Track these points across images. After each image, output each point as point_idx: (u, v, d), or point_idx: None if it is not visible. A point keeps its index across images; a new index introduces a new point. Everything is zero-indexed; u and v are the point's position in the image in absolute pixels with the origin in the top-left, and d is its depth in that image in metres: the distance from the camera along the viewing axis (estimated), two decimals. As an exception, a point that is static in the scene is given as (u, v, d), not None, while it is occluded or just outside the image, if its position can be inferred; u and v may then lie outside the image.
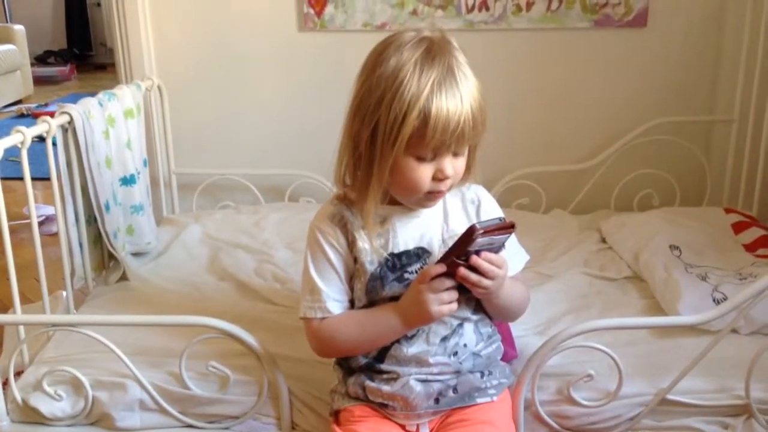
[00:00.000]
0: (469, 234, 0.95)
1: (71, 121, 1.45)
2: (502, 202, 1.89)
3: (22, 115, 5.33)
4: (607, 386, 1.20)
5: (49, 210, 2.86)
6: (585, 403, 1.20)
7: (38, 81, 6.31)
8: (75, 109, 1.46)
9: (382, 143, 0.98)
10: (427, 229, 1.08)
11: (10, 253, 1.25)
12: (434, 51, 0.98)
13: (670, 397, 1.19)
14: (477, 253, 0.98)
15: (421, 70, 0.96)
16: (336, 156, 1.06)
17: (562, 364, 1.22)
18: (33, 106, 5.55)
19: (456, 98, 0.96)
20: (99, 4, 7.37)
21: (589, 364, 1.21)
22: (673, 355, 1.27)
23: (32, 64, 6.26)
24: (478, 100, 0.99)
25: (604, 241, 1.80)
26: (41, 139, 1.39)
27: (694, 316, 1.19)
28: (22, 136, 1.27)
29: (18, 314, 1.29)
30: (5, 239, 1.24)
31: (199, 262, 1.74)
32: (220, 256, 1.74)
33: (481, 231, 0.94)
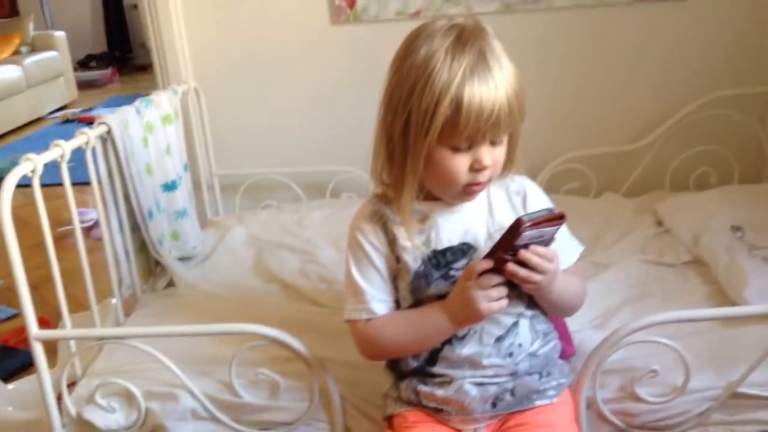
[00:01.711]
0: (516, 227, 0.90)
1: (109, 131, 1.44)
2: (550, 188, 1.84)
3: (67, 121, 5.44)
4: (674, 381, 1.14)
5: (96, 214, 2.90)
6: (651, 399, 1.14)
7: (81, 85, 6.44)
8: (112, 119, 1.45)
9: (414, 135, 0.95)
10: (471, 223, 1.04)
11: (55, 266, 1.26)
12: (465, 37, 0.94)
13: (740, 390, 1.13)
14: (525, 246, 0.94)
15: (452, 58, 0.92)
16: (372, 153, 1.04)
17: (624, 360, 1.16)
18: (78, 110, 5.66)
19: (489, 84, 0.92)
20: (136, 6, 7.46)
21: (653, 358, 1.15)
22: (741, 345, 1.20)
23: (75, 69, 6.38)
24: (514, 86, 0.95)
25: (660, 224, 1.73)
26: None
27: (764, 306, 1.11)
28: (61, 150, 1.27)
29: (68, 329, 1.29)
30: (50, 251, 1.24)
31: (245, 264, 1.73)
32: (265, 258, 1.73)
33: (529, 223, 0.90)
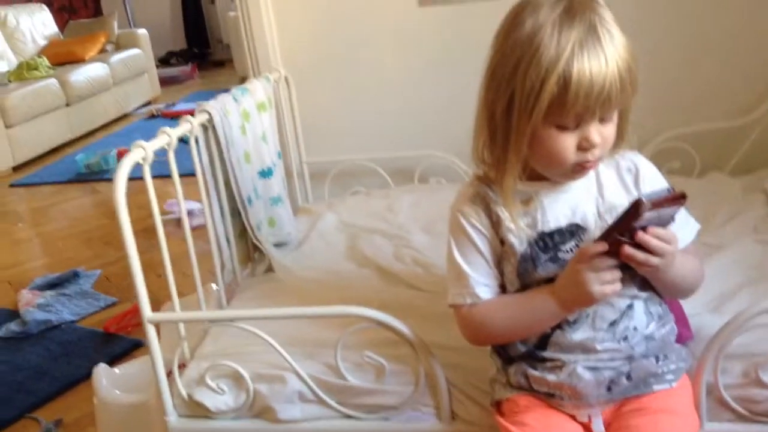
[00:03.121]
0: (635, 209, 0.86)
1: (210, 119, 1.47)
2: (651, 169, 1.77)
3: (152, 116, 5.62)
4: (802, 367, 1.08)
5: (190, 205, 2.98)
6: (777, 386, 1.08)
7: (163, 82, 6.65)
8: (213, 107, 1.48)
9: (518, 114, 0.91)
10: (580, 203, 1.00)
11: (165, 251, 1.30)
12: (574, 9, 0.90)
13: None
14: (643, 228, 0.90)
15: (560, 32, 0.88)
16: (473, 132, 1.00)
17: (747, 344, 1.10)
18: (161, 106, 5.84)
19: (600, 59, 0.87)
20: (213, 2, 7.63)
21: (779, 342, 1.09)
22: None
23: (156, 66, 6.58)
24: (626, 60, 0.90)
25: (772, 203, 1.64)
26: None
27: None
28: (168, 137, 1.30)
29: (179, 312, 1.32)
30: (160, 237, 1.28)
31: (338, 249, 1.74)
32: (357, 243, 1.73)
33: (649, 205, 0.86)
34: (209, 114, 1.46)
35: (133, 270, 1.19)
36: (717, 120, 1.91)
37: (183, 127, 1.38)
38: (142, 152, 1.21)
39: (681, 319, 1.15)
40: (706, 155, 1.90)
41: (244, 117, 1.60)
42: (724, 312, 1.20)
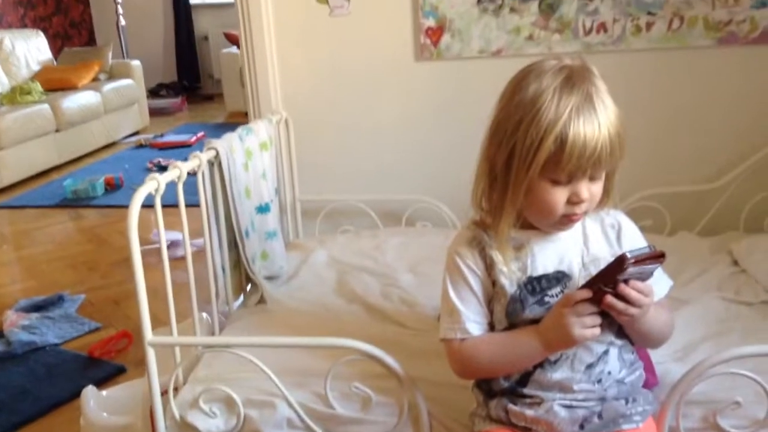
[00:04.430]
0: (620, 263, 0.96)
1: (217, 155, 1.56)
2: (625, 225, 1.87)
3: (140, 146, 5.67)
4: (756, 414, 1.17)
5: (174, 235, 3.04)
6: (733, 431, 1.17)
7: (152, 112, 6.70)
8: (220, 144, 1.57)
9: (517, 167, 1.01)
10: (567, 252, 1.09)
11: (168, 277, 1.36)
12: (574, 79, 1.00)
13: (823, 426, 1.15)
14: (625, 281, 0.99)
15: (560, 97, 0.98)
16: (473, 181, 1.10)
17: (707, 392, 1.20)
18: (150, 136, 5.88)
19: (593, 124, 0.98)
20: (206, 38, 7.77)
21: (736, 391, 1.18)
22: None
23: (146, 97, 6.66)
24: (617, 127, 1.00)
25: (736, 264, 1.75)
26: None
27: None
28: (179, 171, 1.38)
29: (178, 336, 1.38)
30: (165, 263, 1.35)
31: (328, 285, 1.81)
32: (347, 279, 1.81)
33: (633, 260, 0.95)
34: (217, 151, 1.55)
35: (139, 295, 1.26)
36: (688, 184, 2.04)
37: (192, 162, 1.47)
38: (155, 184, 1.29)
39: (648, 367, 1.24)
40: (677, 216, 2.02)
41: (247, 155, 1.69)
42: (687, 362, 1.29)
